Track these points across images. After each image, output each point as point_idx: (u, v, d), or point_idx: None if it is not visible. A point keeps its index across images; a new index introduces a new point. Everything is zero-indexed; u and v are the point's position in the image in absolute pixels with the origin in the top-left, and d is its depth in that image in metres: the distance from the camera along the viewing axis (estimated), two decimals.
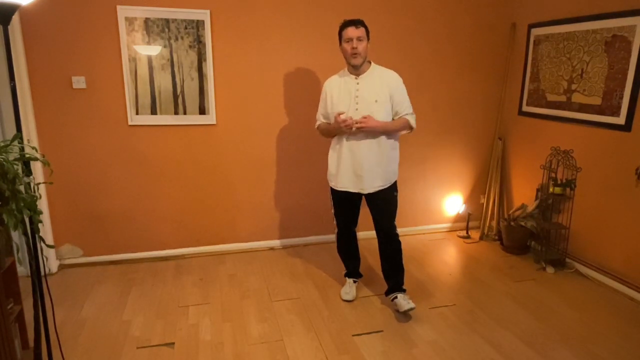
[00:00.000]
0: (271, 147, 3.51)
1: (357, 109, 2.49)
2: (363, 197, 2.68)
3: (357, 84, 2.53)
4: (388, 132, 2.53)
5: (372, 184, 2.57)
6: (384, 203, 2.65)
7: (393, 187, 2.65)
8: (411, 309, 2.61)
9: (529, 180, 3.72)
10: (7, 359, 1.71)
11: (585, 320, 2.65)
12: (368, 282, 3.09)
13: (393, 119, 2.56)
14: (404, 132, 2.61)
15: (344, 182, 2.62)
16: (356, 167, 2.56)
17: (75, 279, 3.12)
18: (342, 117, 2.45)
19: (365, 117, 2.43)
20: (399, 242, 2.70)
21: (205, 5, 3.12)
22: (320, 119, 2.74)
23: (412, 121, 2.58)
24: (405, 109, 2.57)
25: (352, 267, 2.96)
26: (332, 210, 2.84)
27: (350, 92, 2.53)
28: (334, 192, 2.73)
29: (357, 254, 2.95)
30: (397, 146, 2.65)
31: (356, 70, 2.53)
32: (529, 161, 3.71)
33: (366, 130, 2.46)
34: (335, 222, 2.85)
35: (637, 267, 2.88)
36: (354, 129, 2.45)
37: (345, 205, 2.74)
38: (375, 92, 2.50)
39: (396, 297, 2.69)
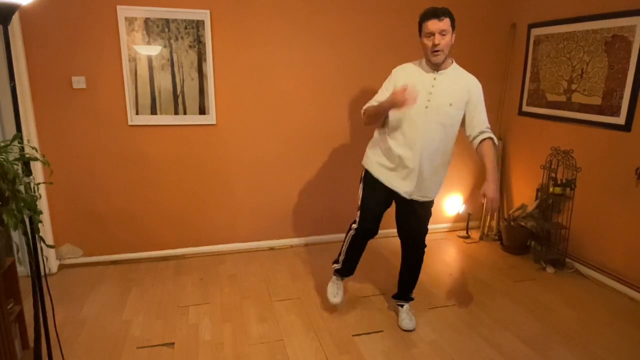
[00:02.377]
0: (271, 147, 3.51)
1: (427, 107, 2.24)
2: (394, 201, 2.50)
3: (434, 79, 2.26)
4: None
5: (429, 192, 2.41)
6: (424, 209, 2.49)
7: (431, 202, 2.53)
8: (411, 330, 2.55)
9: (529, 180, 3.72)
10: (7, 359, 1.71)
11: (585, 320, 2.66)
12: (368, 282, 3.09)
13: (472, 138, 2.32)
14: None
15: (396, 181, 2.38)
16: (421, 170, 2.32)
17: (75, 279, 3.12)
18: (410, 90, 2.10)
19: (489, 197, 2.17)
20: (424, 251, 2.60)
21: (205, 5, 3.12)
22: (372, 104, 2.40)
23: (495, 138, 2.29)
24: (484, 122, 2.30)
25: (351, 267, 2.70)
26: (360, 202, 2.50)
27: (424, 87, 2.25)
28: (370, 178, 2.46)
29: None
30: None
31: (437, 65, 2.25)
32: (529, 161, 3.71)
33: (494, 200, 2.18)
34: (357, 218, 2.51)
35: (637, 267, 2.88)
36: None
37: (380, 197, 2.45)
38: (453, 94, 2.24)
39: (402, 306, 2.65)
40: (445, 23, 2.15)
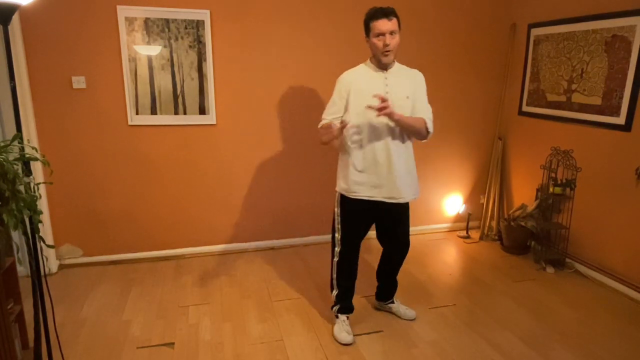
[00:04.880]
0: (271, 147, 3.51)
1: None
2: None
3: (386, 78, 2.28)
4: (408, 126, 2.20)
5: (407, 192, 2.33)
6: (406, 215, 2.48)
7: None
8: (414, 318, 2.65)
9: (529, 180, 3.72)
10: (7, 359, 1.71)
11: (585, 320, 2.65)
12: (368, 282, 3.09)
13: None
14: (420, 136, 2.29)
15: (370, 190, 2.31)
16: (390, 172, 2.28)
17: (75, 279, 3.12)
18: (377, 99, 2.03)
19: (385, 102, 2.03)
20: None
21: (205, 5, 3.12)
22: (328, 119, 2.33)
23: (430, 125, 2.28)
24: (426, 111, 2.31)
25: (351, 296, 2.55)
26: (338, 235, 2.43)
27: (379, 88, 2.25)
28: (349, 203, 2.36)
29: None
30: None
31: (384, 65, 2.27)
32: (529, 161, 3.71)
33: (392, 118, 2.09)
34: (339, 247, 2.44)
35: (637, 267, 2.88)
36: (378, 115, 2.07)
37: (363, 218, 2.41)
38: (406, 88, 2.29)
39: (393, 303, 2.71)
40: (394, 23, 2.17)
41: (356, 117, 2.27)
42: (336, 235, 2.45)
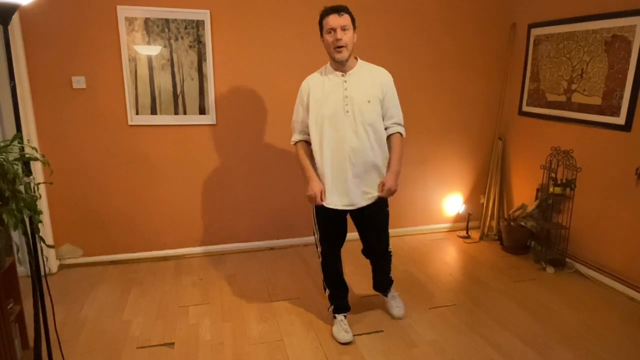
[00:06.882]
0: (271, 147, 3.51)
1: (347, 111, 2.19)
2: (348, 214, 2.42)
3: (345, 81, 2.20)
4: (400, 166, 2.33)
5: (360, 199, 2.32)
6: (378, 222, 2.47)
7: (385, 201, 2.43)
8: (401, 317, 2.63)
9: (529, 180, 3.72)
10: (7, 359, 1.71)
11: (585, 320, 2.65)
12: (368, 282, 3.09)
13: (385, 128, 2.32)
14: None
15: (333, 199, 2.31)
16: (345, 181, 2.28)
17: (75, 279, 3.12)
18: (316, 195, 2.25)
19: (387, 186, 2.26)
20: (391, 256, 2.65)
21: (205, 5, 3.12)
22: (297, 135, 2.37)
23: (403, 131, 2.34)
24: (397, 114, 2.32)
25: (343, 295, 2.56)
26: (317, 235, 2.47)
27: (337, 92, 2.20)
28: (318, 207, 2.38)
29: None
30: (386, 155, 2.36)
31: (342, 66, 2.20)
32: (529, 161, 3.71)
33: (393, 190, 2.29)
34: (320, 248, 2.48)
35: (637, 267, 2.88)
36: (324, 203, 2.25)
37: (333, 222, 2.41)
38: (367, 91, 2.21)
39: (386, 295, 2.74)
40: (345, 19, 2.12)
41: (315, 125, 2.26)
42: (315, 236, 2.50)
